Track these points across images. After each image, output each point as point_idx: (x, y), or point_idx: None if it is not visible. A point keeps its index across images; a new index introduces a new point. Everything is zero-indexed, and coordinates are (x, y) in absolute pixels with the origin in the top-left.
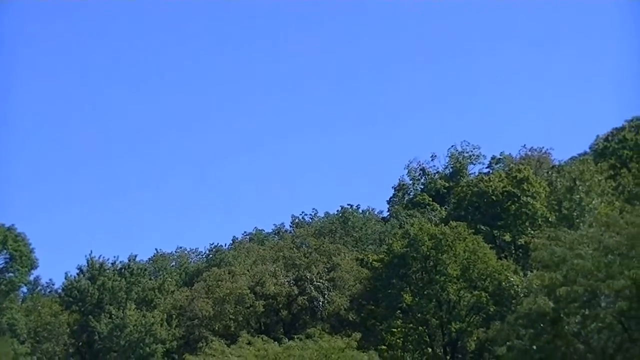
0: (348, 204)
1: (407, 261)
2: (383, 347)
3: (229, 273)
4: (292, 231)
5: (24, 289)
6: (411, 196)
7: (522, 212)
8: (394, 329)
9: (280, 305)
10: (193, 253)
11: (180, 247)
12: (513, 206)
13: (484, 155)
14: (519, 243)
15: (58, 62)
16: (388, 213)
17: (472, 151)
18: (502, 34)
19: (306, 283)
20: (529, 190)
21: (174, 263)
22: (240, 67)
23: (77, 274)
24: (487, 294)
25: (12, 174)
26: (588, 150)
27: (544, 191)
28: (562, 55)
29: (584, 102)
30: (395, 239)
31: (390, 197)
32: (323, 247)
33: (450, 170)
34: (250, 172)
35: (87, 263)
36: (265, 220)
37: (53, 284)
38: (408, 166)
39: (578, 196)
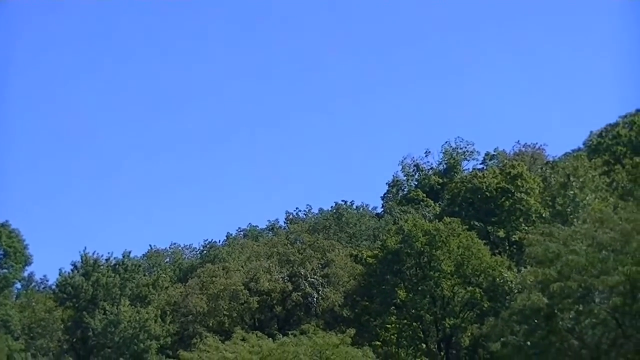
0: (342, 200)
1: (401, 257)
2: (377, 343)
3: (223, 269)
4: (287, 227)
5: (18, 285)
6: (405, 192)
7: (516, 208)
8: (388, 325)
9: (275, 302)
10: (187, 249)
11: (175, 243)
12: (507, 202)
13: (478, 152)
14: (513, 239)
15: (51, 56)
16: (382, 209)
17: (466, 147)
18: (496, 30)
19: (300, 279)
20: (522, 186)
21: (168, 259)
22: (235, 60)
23: (71, 270)
24: (481, 290)
25: (6, 170)
26: (582, 146)
27: (538, 187)
28: (556, 51)
29: (578, 98)
30: (389, 235)
31: (384, 193)
32: (317, 243)
33: (444, 166)
34: (244, 168)
35: (81, 259)
36: (259, 216)
37: (47, 280)
38: (402, 162)
39: (572, 192)
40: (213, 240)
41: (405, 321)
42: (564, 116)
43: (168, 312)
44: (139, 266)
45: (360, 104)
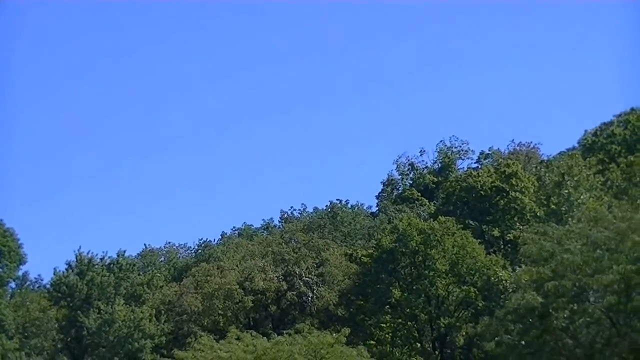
0: (337, 199)
1: (395, 256)
2: (372, 342)
3: (217, 268)
4: (281, 226)
5: (12, 285)
6: (400, 191)
7: (511, 207)
8: (382, 324)
9: (269, 301)
10: (182, 248)
11: (169, 243)
12: (502, 201)
13: (472, 151)
14: (508, 238)
15: (47, 56)
16: (377, 208)
17: (460, 146)
18: (490, 29)
19: (295, 278)
20: (517, 185)
21: (162, 258)
22: (228, 58)
23: (66, 270)
24: (475, 289)
25: (1, 170)
26: (577, 145)
27: (533, 186)
28: (551, 50)
29: (572, 97)
30: (384, 234)
31: (379, 192)
32: (312, 242)
33: (439, 165)
34: (239, 168)
35: (76, 258)
36: (254, 215)
37: (42, 280)
38: (397, 161)
39: (566, 191)
40: (208, 240)
41: (400, 320)
42: (558, 115)
43: (163, 312)
44: (134, 265)
45: (355, 103)
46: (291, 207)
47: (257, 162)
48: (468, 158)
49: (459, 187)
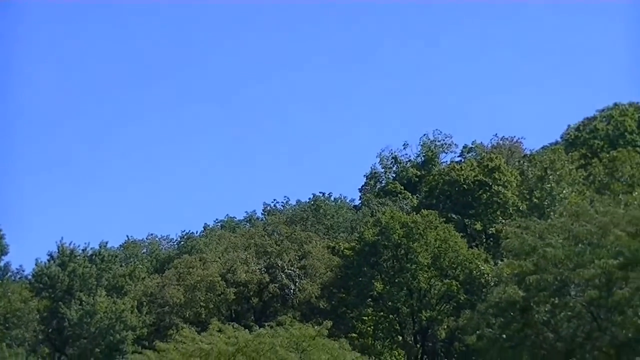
0: (320, 192)
1: (378, 249)
2: (354, 334)
3: (200, 260)
4: (264, 219)
5: None
6: (383, 184)
7: (493, 201)
8: (364, 317)
9: (251, 293)
10: (164, 240)
11: (152, 234)
12: (484, 195)
13: (455, 144)
14: (490, 232)
15: (43, 56)
16: (360, 201)
17: (444, 140)
18: (475, 24)
19: (277, 271)
20: (500, 179)
21: (145, 250)
22: (215, 51)
23: (48, 260)
24: (457, 283)
25: None
26: (559, 139)
27: (515, 180)
28: (534, 45)
29: (555, 92)
30: (366, 227)
31: (362, 186)
32: (294, 234)
33: (422, 158)
34: (222, 159)
35: (58, 249)
36: (236, 207)
37: (23, 270)
38: (380, 154)
39: (549, 185)
40: (190, 231)
41: (382, 313)
42: (541, 110)
43: (144, 303)
44: (116, 257)
45: (339, 97)
46: (274, 199)
47: (240, 155)
48: (451, 152)
49: (441, 180)
